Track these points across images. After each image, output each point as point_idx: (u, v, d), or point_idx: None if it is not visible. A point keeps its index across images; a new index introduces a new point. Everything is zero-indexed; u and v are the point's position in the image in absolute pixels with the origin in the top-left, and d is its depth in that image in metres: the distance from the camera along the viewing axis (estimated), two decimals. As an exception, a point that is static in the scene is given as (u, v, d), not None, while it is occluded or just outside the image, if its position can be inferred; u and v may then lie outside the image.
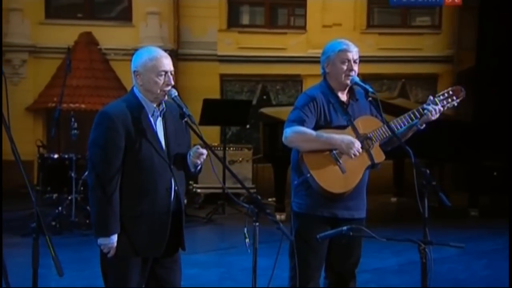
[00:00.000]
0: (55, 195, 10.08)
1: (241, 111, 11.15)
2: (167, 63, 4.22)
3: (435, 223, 10.73)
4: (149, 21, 13.96)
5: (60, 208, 9.73)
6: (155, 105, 4.22)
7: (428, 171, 4.59)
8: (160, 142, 4.20)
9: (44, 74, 13.51)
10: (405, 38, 14.72)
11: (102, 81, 13.51)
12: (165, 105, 4.25)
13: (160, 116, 4.23)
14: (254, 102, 14.22)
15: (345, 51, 4.84)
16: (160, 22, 13.99)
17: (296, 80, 13.98)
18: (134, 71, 4.21)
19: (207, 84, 13.87)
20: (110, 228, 4.10)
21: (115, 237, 4.13)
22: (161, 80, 4.17)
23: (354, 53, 4.87)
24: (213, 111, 10.93)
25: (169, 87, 4.19)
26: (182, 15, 14.11)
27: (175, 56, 13.91)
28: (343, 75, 4.82)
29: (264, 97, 14.40)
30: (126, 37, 13.76)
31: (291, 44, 13.79)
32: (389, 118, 4.87)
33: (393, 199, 13.16)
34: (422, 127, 4.90)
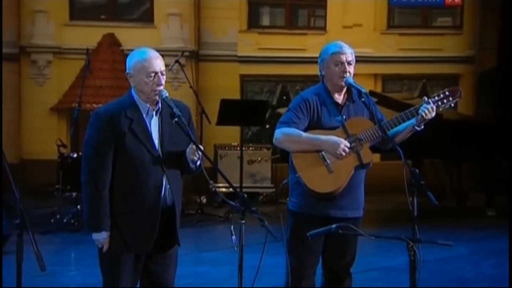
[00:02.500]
0: (74, 194, 10.28)
1: (259, 111, 11.26)
2: (157, 64, 4.31)
3: (452, 222, 10.83)
4: (171, 22, 14.13)
5: (79, 206, 9.92)
6: (149, 105, 4.32)
7: (417, 171, 4.66)
8: (152, 141, 4.31)
9: (68, 75, 13.74)
10: (426, 39, 14.72)
11: (124, 81, 13.49)
12: (161, 105, 4.34)
13: (155, 115, 4.34)
14: (274, 102, 14.35)
15: (338, 53, 4.92)
16: (181, 23, 14.15)
17: (316, 80, 13.83)
18: (127, 73, 4.35)
19: (227, 84, 14.00)
20: (101, 224, 4.25)
21: (106, 233, 4.27)
22: (150, 80, 4.27)
23: (348, 54, 4.94)
24: (230, 111, 11.06)
25: (160, 87, 4.28)
26: (202, 16, 14.26)
27: (196, 57, 14.09)
28: (337, 77, 4.92)
29: (284, 97, 14.48)
30: (147, 38, 13.91)
31: (311, 44, 13.83)
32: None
33: (411, 199, 13.15)
34: (419, 128, 4.96)
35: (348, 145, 4.81)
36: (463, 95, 5.02)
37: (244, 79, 14.53)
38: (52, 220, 10.21)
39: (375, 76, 14.67)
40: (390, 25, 14.82)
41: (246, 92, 14.58)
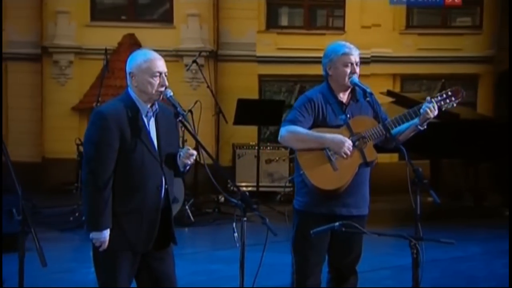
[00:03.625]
0: (93, 192, 10.43)
1: (276, 111, 11.35)
2: (161, 65, 4.38)
3: (468, 222, 10.83)
4: (190, 23, 14.20)
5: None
6: (148, 106, 4.40)
7: (420, 169, 4.70)
8: (152, 142, 4.39)
9: (89, 75, 13.87)
10: (445, 39, 14.67)
11: (143, 81, 13.80)
12: (158, 106, 4.43)
13: (153, 116, 4.42)
14: (292, 102, 14.38)
15: (348, 54, 5.01)
16: (200, 24, 14.20)
17: (334, 80, 13.98)
18: (130, 73, 4.40)
19: (245, 84, 14.05)
20: (101, 223, 4.30)
21: (107, 232, 4.33)
22: (155, 81, 4.34)
23: (356, 56, 5.04)
24: (247, 111, 11.16)
25: (163, 88, 4.36)
26: (221, 17, 14.32)
27: (215, 57, 14.19)
28: (346, 78, 5.00)
29: (302, 97, 14.46)
30: (167, 39, 14.01)
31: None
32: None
33: (430, 199, 13.18)
34: (422, 128, 5.02)
35: (352, 143, 4.89)
36: (465, 95, 5.08)
37: (263, 79, 14.58)
38: (71, 218, 10.37)
39: (394, 76, 14.66)
40: (409, 25, 14.79)
41: (264, 92, 14.65)
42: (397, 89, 14.22)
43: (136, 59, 4.42)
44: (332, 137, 4.89)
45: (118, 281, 4.43)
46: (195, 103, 10.93)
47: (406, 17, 14.76)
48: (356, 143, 4.94)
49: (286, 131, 4.98)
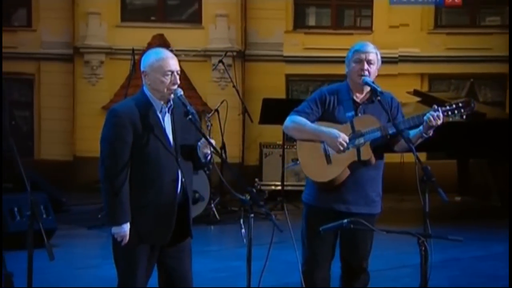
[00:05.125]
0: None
1: (300, 110, 11.39)
2: (173, 64, 4.49)
3: (495, 222, 10.79)
4: (218, 23, 14.34)
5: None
6: (162, 103, 4.51)
7: (429, 168, 4.71)
8: (167, 137, 4.49)
9: (119, 75, 14.05)
10: (474, 38, 14.60)
11: (171, 81, 13.94)
12: (173, 103, 4.54)
13: (168, 112, 4.53)
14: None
15: (359, 51, 5.06)
16: (228, 24, 14.34)
17: (361, 80, 14.01)
18: (143, 71, 4.53)
19: (273, 84, 14.15)
20: (120, 217, 4.42)
21: (126, 226, 4.44)
22: (167, 79, 4.45)
23: (368, 54, 5.06)
24: (272, 110, 11.24)
25: (175, 86, 4.47)
26: (249, 17, 14.44)
27: (242, 57, 14.31)
28: (356, 74, 5.05)
29: (329, 96, 14.51)
30: (196, 39, 14.20)
31: (357, 44, 13.88)
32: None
33: (457, 198, 13.19)
34: (427, 136, 4.96)
35: (347, 139, 4.94)
36: (475, 107, 5.02)
37: (290, 79, 14.67)
38: (99, 216, 10.54)
39: (422, 75, 14.65)
40: (437, 25, 14.76)
41: (291, 92, 14.73)
42: (424, 89, 14.20)
43: (149, 58, 4.53)
44: (328, 131, 4.96)
45: (136, 275, 4.54)
46: (221, 102, 11.05)
47: (435, 17, 14.74)
48: (356, 141, 4.99)
49: (290, 121, 5.12)
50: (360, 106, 5.11)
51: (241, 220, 4.32)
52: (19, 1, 15.15)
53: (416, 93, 12.46)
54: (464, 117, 5.00)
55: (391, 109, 5.07)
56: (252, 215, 4.26)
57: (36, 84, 14.79)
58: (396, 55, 14.07)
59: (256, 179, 12.87)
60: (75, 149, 14.54)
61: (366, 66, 5.04)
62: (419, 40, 14.45)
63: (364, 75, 5.04)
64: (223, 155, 11.03)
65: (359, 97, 5.13)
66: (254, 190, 4.38)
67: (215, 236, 10.14)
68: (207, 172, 9.90)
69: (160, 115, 4.51)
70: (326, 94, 5.10)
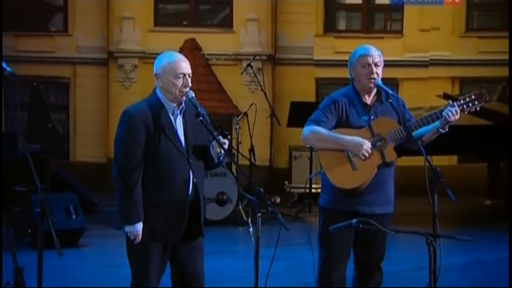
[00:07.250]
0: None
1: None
2: (185, 67, 4.63)
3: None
4: (249, 27, 14.48)
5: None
6: (175, 105, 4.63)
7: (437, 168, 4.79)
8: (179, 138, 4.60)
9: (152, 78, 14.17)
10: (506, 41, 14.47)
11: (204, 84, 14.11)
12: (185, 105, 4.65)
13: (180, 114, 4.64)
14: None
15: (365, 55, 5.13)
16: (259, 28, 14.47)
17: (392, 83, 13.96)
18: (155, 74, 4.68)
19: (303, 87, 14.24)
20: (132, 217, 4.54)
21: (139, 225, 4.55)
22: (179, 82, 4.59)
23: (374, 56, 5.14)
24: (300, 113, 11.29)
25: (187, 89, 4.60)
26: (279, 21, 14.56)
27: (273, 60, 14.43)
28: (365, 79, 5.13)
29: (359, 100, 14.54)
30: (227, 43, 14.38)
31: (387, 48, 13.78)
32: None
33: (488, 202, 13.16)
34: (443, 131, 5.05)
35: (371, 146, 5.02)
36: (488, 98, 5.12)
37: (320, 82, 14.74)
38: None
39: (453, 79, 14.61)
40: (468, 28, 14.73)
41: (321, 95, 14.74)
42: (455, 92, 14.16)
43: (162, 61, 4.68)
44: (351, 139, 5.02)
45: (149, 272, 4.65)
46: (250, 105, 11.18)
47: (466, 20, 14.70)
48: (378, 144, 5.06)
49: (308, 131, 5.16)
50: (371, 109, 5.19)
51: (249, 220, 4.41)
52: (56, 7, 15.49)
53: (445, 96, 12.46)
54: (478, 109, 5.06)
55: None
56: (260, 214, 4.35)
57: (72, 87, 15.09)
58: (427, 59, 14.04)
59: (286, 182, 12.98)
60: (109, 151, 14.76)
61: (374, 69, 5.10)
62: (450, 44, 14.41)
63: (375, 78, 5.11)
64: (252, 158, 11.16)
65: (368, 99, 5.19)
66: (262, 190, 4.46)
67: (242, 237, 10.23)
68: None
69: (172, 117, 4.62)
70: (338, 100, 5.15)
